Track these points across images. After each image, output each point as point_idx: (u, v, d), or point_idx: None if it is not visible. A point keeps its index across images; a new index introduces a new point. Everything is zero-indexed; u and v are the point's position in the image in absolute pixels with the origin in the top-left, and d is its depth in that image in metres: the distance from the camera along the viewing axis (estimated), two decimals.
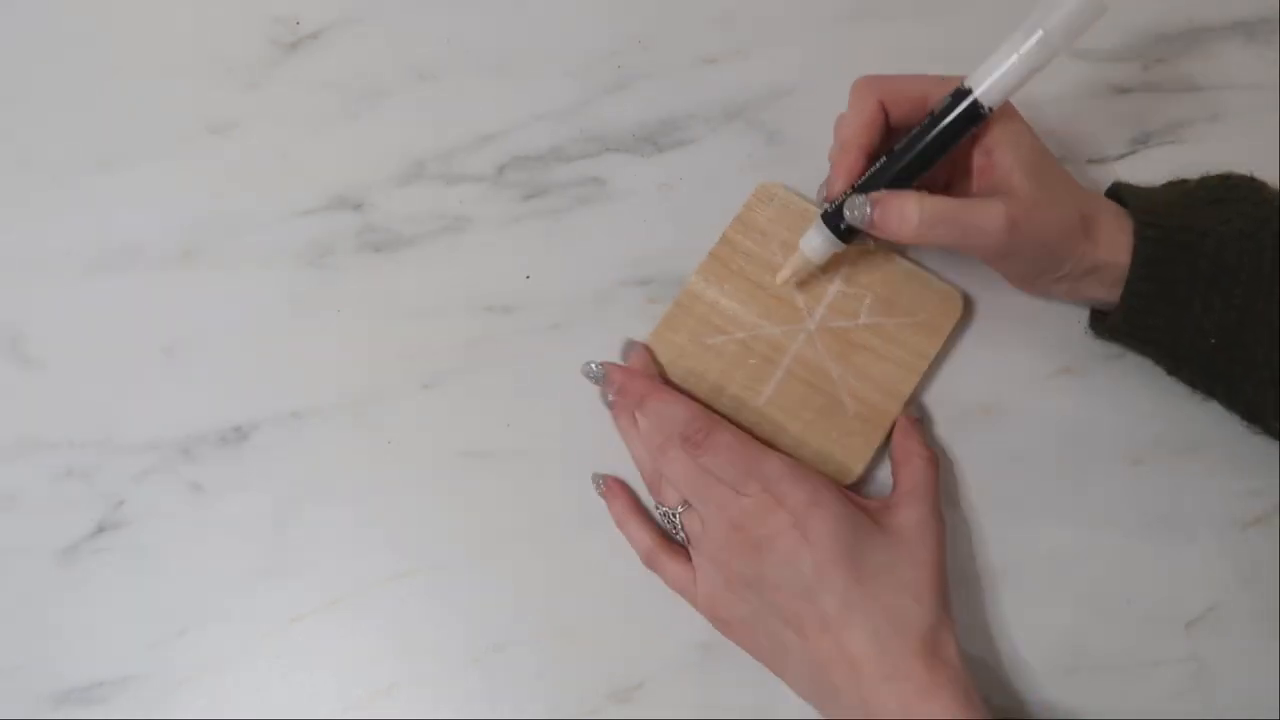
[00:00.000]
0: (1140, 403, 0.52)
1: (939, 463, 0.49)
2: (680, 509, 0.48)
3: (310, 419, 0.53)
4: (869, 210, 0.45)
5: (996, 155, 0.46)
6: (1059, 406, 0.52)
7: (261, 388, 0.53)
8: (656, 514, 0.50)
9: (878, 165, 0.46)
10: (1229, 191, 0.48)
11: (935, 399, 0.52)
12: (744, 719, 0.49)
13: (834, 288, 0.52)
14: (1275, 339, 0.45)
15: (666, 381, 0.51)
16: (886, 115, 0.47)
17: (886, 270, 0.52)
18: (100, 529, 0.51)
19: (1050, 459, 0.51)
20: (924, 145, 0.45)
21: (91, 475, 0.52)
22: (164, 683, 0.49)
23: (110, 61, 0.58)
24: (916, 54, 0.57)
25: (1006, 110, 0.46)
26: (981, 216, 0.44)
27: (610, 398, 0.50)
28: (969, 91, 0.44)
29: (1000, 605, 0.49)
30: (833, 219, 0.48)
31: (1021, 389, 0.52)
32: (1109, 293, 0.47)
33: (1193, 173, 0.50)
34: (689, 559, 0.48)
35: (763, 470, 0.46)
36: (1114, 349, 0.52)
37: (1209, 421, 0.51)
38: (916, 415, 0.51)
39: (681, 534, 0.48)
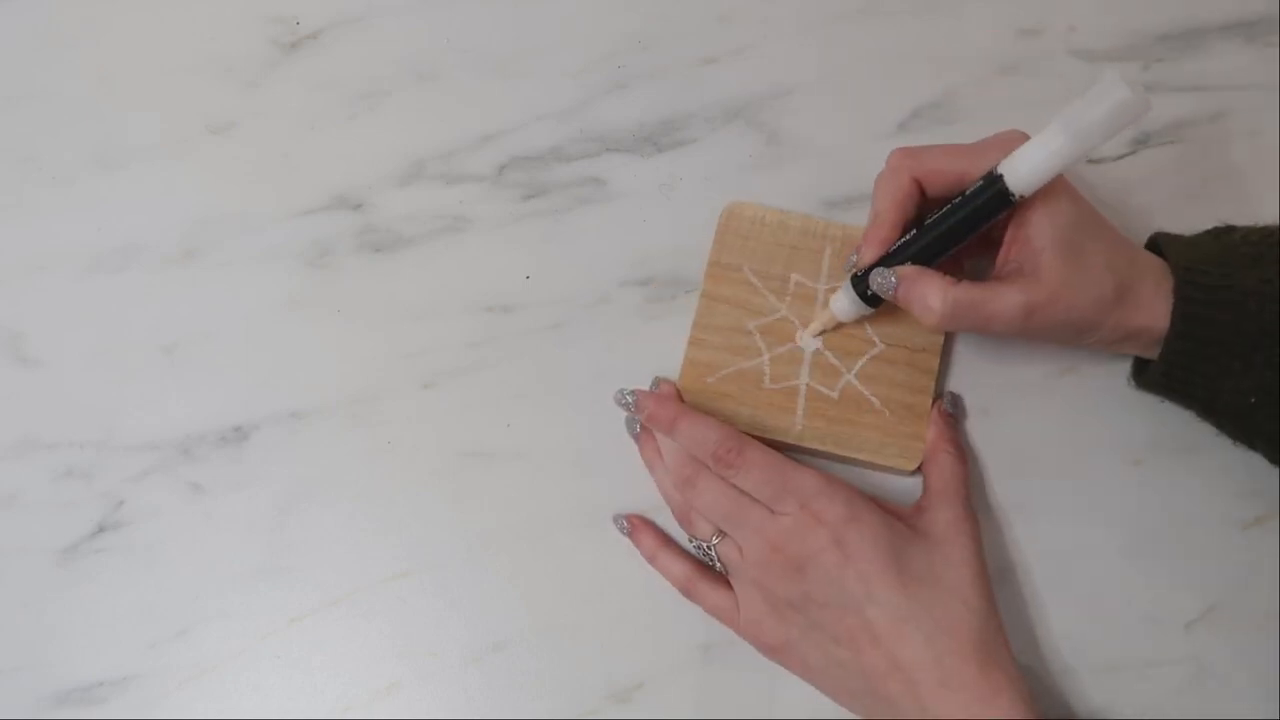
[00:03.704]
0: (1140, 403, 0.52)
1: (967, 458, 0.50)
2: (715, 539, 0.47)
3: (310, 419, 0.53)
4: (893, 283, 0.46)
5: (1030, 230, 0.46)
6: (1059, 407, 0.52)
7: (261, 388, 0.53)
8: (690, 547, 0.49)
9: (908, 237, 0.47)
10: (1270, 249, 0.47)
11: None
12: (744, 719, 0.49)
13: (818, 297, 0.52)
14: None
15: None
16: (922, 190, 0.47)
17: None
18: (100, 529, 0.51)
19: (1051, 459, 0.51)
20: (952, 225, 0.46)
21: (91, 475, 0.52)
22: (164, 683, 0.49)
23: (110, 61, 0.58)
24: (916, 54, 0.58)
25: (1051, 183, 0.45)
26: (1000, 306, 0.45)
27: (637, 428, 0.50)
28: (1000, 178, 0.44)
29: (1001, 605, 0.49)
30: (860, 284, 0.48)
31: (1022, 389, 0.52)
32: (1148, 351, 0.47)
33: (1192, 172, 0.49)
34: (729, 585, 0.48)
35: (797, 486, 0.45)
36: None
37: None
38: (950, 408, 0.51)
39: (719, 565, 0.48)
